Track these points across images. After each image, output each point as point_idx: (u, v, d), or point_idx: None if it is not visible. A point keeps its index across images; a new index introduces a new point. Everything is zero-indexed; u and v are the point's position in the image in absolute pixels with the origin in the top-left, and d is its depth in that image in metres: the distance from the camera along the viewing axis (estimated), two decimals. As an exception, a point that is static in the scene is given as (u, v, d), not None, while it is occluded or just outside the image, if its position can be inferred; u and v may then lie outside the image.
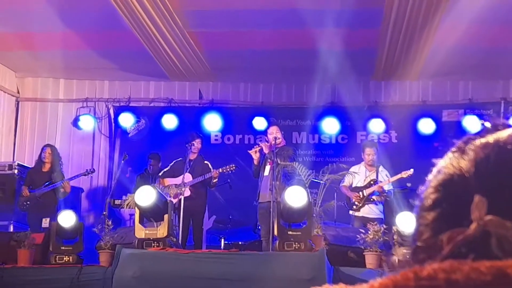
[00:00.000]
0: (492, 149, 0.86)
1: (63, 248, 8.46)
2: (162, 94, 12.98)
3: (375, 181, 9.96)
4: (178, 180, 9.97)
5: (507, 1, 9.03)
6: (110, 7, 9.20)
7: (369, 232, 7.87)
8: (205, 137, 11.44)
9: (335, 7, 9.25)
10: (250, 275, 7.40)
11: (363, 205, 9.89)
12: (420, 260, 0.84)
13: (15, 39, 10.98)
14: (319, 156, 12.24)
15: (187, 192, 9.79)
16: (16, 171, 11.14)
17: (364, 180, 10.01)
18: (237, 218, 11.10)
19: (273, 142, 9.35)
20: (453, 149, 0.90)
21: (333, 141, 12.44)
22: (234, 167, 10.05)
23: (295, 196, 7.82)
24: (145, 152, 11.67)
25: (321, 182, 8.94)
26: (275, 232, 7.93)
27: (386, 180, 9.96)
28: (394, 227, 7.80)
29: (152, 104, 13.00)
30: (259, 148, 9.59)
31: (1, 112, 12.56)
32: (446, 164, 0.88)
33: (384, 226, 8.04)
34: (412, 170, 9.65)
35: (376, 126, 11.96)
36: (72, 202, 10.90)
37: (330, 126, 12.17)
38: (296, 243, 7.70)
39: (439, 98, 12.43)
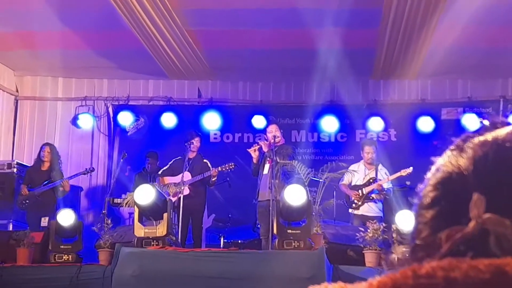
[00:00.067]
0: (490, 147, 0.86)
1: (62, 247, 8.47)
2: (161, 92, 12.98)
3: (375, 179, 9.96)
4: (177, 179, 9.98)
5: (505, 1, 9.03)
6: (109, 6, 9.20)
7: (369, 230, 7.88)
8: (204, 135, 11.44)
9: (334, 7, 9.25)
10: (250, 273, 7.40)
11: (362, 203, 9.89)
12: (419, 258, 0.84)
13: (14, 38, 10.97)
14: (318, 155, 12.24)
15: (186, 191, 9.79)
16: (15, 170, 11.13)
17: (364, 178, 10.01)
18: (237, 217, 11.10)
19: (272, 141, 9.35)
20: (452, 147, 0.90)
21: (332, 140, 12.44)
22: (233, 166, 10.05)
23: (295, 195, 7.82)
24: (144, 150, 11.67)
25: (320, 180, 8.94)
26: (275, 231, 7.93)
27: (386, 178, 9.96)
28: (393, 225, 7.81)
29: (151, 103, 12.99)
30: (258, 146, 9.59)
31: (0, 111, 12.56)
32: (444, 162, 0.89)
33: (384, 224, 8.05)
34: (411, 168, 9.65)
35: (375, 124, 11.96)
36: (71, 200, 10.90)
37: (329, 125, 12.17)
38: (296, 242, 7.70)
39: (438, 96, 12.44)
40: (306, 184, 8.62)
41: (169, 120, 12.38)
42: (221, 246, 10.23)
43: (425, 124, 11.95)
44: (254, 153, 9.56)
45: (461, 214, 0.82)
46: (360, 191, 9.91)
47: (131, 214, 10.07)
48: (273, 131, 9.52)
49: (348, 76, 11.17)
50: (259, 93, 12.83)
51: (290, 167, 9.10)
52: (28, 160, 11.99)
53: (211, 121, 12.28)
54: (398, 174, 9.91)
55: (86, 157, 12.75)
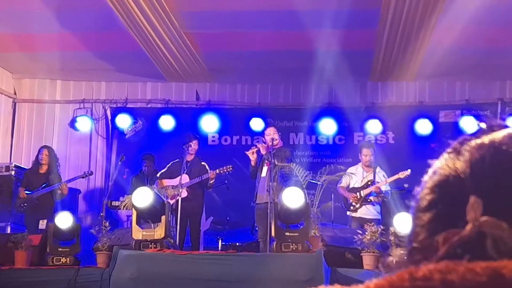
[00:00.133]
0: (487, 150, 0.86)
1: (60, 249, 8.46)
2: (159, 95, 12.97)
3: (372, 182, 9.97)
4: (175, 181, 9.97)
5: (504, 1, 9.04)
6: (107, 8, 9.20)
7: (367, 233, 7.88)
8: (202, 138, 11.42)
9: (332, 8, 9.25)
10: (248, 276, 7.40)
11: (360, 206, 9.89)
12: (416, 261, 0.84)
13: (12, 40, 10.97)
14: (316, 157, 12.24)
15: (184, 193, 9.78)
16: (13, 173, 11.13)
17: (361, 181, 10.01)
18: (235, 219, 11.09)
19: (270, 143, 9.35)
20: (449, 150, 0.90)
21: (330, 142, 12.44)
22: (230, 168, 10.04)
23: (293, 197, 7.82)
24: (142, 153, 11.66)
25: (318, 183, 8.93)
26: (273, 233, 7.93)
27: (384, 181, 9.96)
28: (391, 228, 7.81)
29: (149, 105, 12.99)
30: (256, 149, 9.59)
31: (-2, 114, 12.57)
32: (441, 165, 0.89)
33: (382, 227, 8.04)
34: (409, 170, 9.65)
35: (373, 127, 11.96)
36: (69, 203, 10.90)
37: (327, 127, 12.17)
38: (294, 244, 7.70)
39: (436, 99, 12.44)
40: (304, 186, 8.61)
41: (167, 122, 12.37)
42: (219, 248, 10.21)
43: (423, 127, 11.96)
44: (252, 155, 9.56)
45: (458, 217, 0.82)
46: (358, 193, 9.91)
47: (129, 216, 10.07)
48: (271, 134, 9.52)
49: (346, 78, 11.18)
50: (257, 95, 12.83)
51: (288, 170, 9.10)
52: (26, 162, 11.99)
53: (209, 124, 12.28)
54: (396, 177, 9.91)
55: (84, 160, 12.75)
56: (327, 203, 9.00)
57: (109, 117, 12.92)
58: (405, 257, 0.88)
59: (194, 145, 10.26)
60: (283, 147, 9.70)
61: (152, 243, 7.98)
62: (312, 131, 12.35)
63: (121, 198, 10.29)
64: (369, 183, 9.97)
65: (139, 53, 10.99)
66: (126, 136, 12.74)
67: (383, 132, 12.13)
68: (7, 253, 8.34)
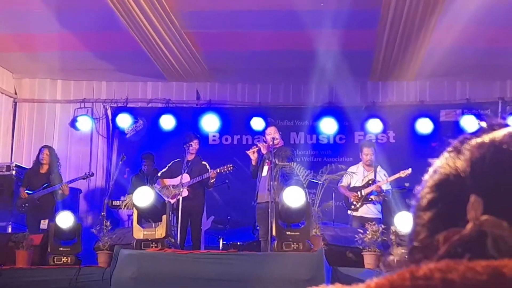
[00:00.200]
0: (487, 149, 0.86)
1: (61, 249, 8.46)
2: (160, 94, 12.97)
3: (373, 181, 9.97)
4: (176, 181, 9.97)
5: (504, 2, 9.04)
6: (107, 8, 9.20)
7: (368, 232, 7.88)
8: (203, 137, 11.43)
9: (332, 8, 9.25)
10: (249, 275, 7.40)
11: (361, 205, 9.89)
12: (417, 260, 0.84)
13: (12, 40, 10.97)
14: (317, 157, 12.24)
15: (185, 193, 9.79)
16: (14, 172, 11.13)
17: (362, 180, 10.01)
18: (236, 219, 11.09)
19: (271, 143, 9.35)
20: (449, 149, 0.90)
21: (331, 141, 12.44)
22: (231, 167, 10.04)
23: (293, 197, 7.82)
24: (143, 153, 11.66)
25: (319, 182, 8.93)
26: (274, 233, 7.93)
27: (384, 180, 9.97)
28: (392, 227, 7.80)
29: (149, 105, 12.99)
30: (257, 148, 9.59)
31: (-2, 113, 12.57)
32: (442, 164, 0.89)
33: (383, 226, 8.04)
34: (410, 169, 9.65)
35: (374, 126, 11.96)
36: (70, 203, 10.90)
37: (328, 126, 12.17)
38: (295, 244, 7.70)
39: (436, 98, 12.44)
40: (305, 186, 8.61)
41: (167, 122, 12.38)
42: (220, 248, 10.20)
43: (424, 126, 11.96)
44: (253, 155, 9.56)
45: (459, 216, 0.83)
46: (359, 192, 9.92)
47: (130, 216, 10.07)
48: (272, 133, 9.52)
49: (346, 78, 11.18)
50: (258, 95, 12.83)
51: (289, 169, 9.10)
52: (26, 162, 11.99)
53: (210, 123, 12.28)
54: (397, 176, 9.91)
55: (85, 160, 12.75)
56: (328, 202, 9.00)
57: (110, 117, 12.92)
58: (406, 256, 0.88)
59: (194, 144, 10.26)
60: (284, 147, 9.70)
61: (153, 243, 7.98)
62: (313, 130, 12.35)
63: (122, 198, 10.28)
64: (370, 182, 9.97)
65: (139, 53, 10.99)
66: (127, 136, 12.74)
67: (384, 131, 12.13)
68: (8, 252, 8.34)
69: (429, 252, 0.83)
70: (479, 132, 0.90)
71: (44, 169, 10.76)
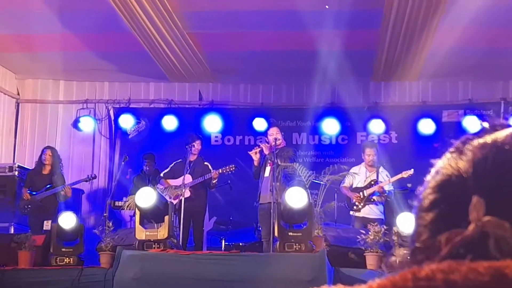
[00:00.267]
0: (490, 149, 0.86)
1: (63, 249, 8.47)
2: (162, 95, 12.98)
3: (376, 182, 9.96)
4: (178, 181, 9.98)
5: (506, 2, 9.03)
6: (109, 8, 9.20)
7: (370, 233, 7.87)
8: (205, 138, 11.44)
9: (335, 8, 9.25)
10: (251, 276, 7.40)
11: (363, 206, 9.89)
12: (419, 261, 0.84)
13: (14, 40, 10.98)
14: (319, 157, 12.24)
15: (187, 193, 9.79)
16: (16, 173, 11.14)
17: (365, 180, 10.01)
18: (238, 219, 11.09)
19: (273, 143, 9.35)
20: (451, 149, 0.90)
21: (333, 142, 12.44)
22: (233, 168, 10.05)
23: (296, 197, 7.82)
24: (144, 153, 11.66)
25: (321, 183, 8.94)
26: (276, 233, 7.93)
27: (387, 181, 9.96)
28: (394, 228, 7.80)
29: (152, 106, 13.00)
30: (259, 149, 9.59)
31: (1, 114, 12.56)
32: (444, 164, 0.88)
33: (385, 227, 8.04)
34: (412, 170, 9.64)
35: (376, 126, 11.96)
36: (73, 203, 10.90)
37: (330, 127, 12.17)
38: (297, 244, 7.70)
39: (439, 98, 12.44)
40: (307, 186, 8.62)
41: (170, 122, 12.38)
42: (223, 248, 10.22)
43: (426, 127, 11.95)
44: (255, 155, 9.56)
45: (461, 217, 0.82)
46: (361, 193, 9.91)
47: (132, 217, 10.07)
48: (274, 134, 9.52)
49: (348, 78, 11.18)
50: (260, 95, 12.84)
51: (291, 170, 9.10)
52: (29, 163, 12.00)
53: (212, 124, 12.28)
54: (399, 176, 9.91)
55: (87, 160, 12.76)
56: (330, 203, 9.00)
57: (112, 117, 12.93)
58: (408, 257, 0.88)
59: (197, 145, 10.27)
60: (286, 147, 9.70)
61: (155, 243, 7.99)
62: (315, 131, 12.35)
63: (124, 198, 10.28)
64: (372, 182, 9.96)
65: (142, 54, 10.99)
66: (129, 136, 12.75)
67: (386, 131, 12.13)
68: (11, 253, 8.35)
69: (431, 253, 0.83)
70: (481, 132, 0.90)
71: (46, 170, 10.76)
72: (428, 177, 0.90)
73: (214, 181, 10.05)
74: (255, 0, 9.42)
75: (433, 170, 0.90)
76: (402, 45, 10.42)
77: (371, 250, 7.78)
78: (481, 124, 0.93)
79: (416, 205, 0.90)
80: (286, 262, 7.46)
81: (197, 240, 9.96)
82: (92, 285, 7.85)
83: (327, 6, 9.21)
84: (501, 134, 0.88)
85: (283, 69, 11.82)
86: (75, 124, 12.83)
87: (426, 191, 0.89)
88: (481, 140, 0.88)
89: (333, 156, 12.15)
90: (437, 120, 12.02)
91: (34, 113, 13.01)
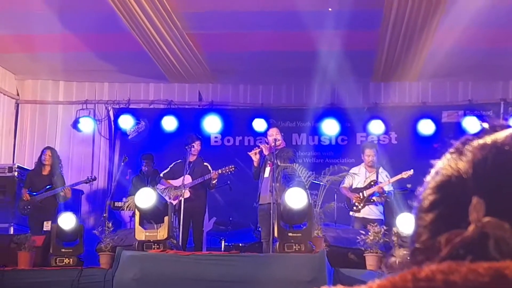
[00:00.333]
0: (489, 150, 0.85)
1: (63, 250, 8.47)
2: (162, 96, 12.98)
3: (375, 182, 9.96)
4: (178, 182, 9.98)
5: (506, 2, 9.04)
6: (109, 9, 9.20)
7: (370, 233, 7.87)
8: (205, 139, 11.44)
9: (335, 8, 9.25)
10: (251, 277, 7.40)
11: (363, 206, 9.89)
12: (419, 262, 0.84)
13: (14, 41, 10.98)
14: (319, 158, 12.24)
15: (187, 194, 9.80)
16: (16, 174, 11.14)
17: (364, 181, 10.01)
18: (237, 220, 11.09)
19: (273, 144, 9.35)
20: (451, 150, 0.90)
21: (333, 143, 12.44)
22: (233, 168, 10.05)
23: (295, 198, 7.82)
24: (144, 153, 11.66)
25: (321, 183, 8.94)
26: (276, 234, 7.93)
27: (386, 181, 9.96)
28: (394, 228, 7.80)
29: (151, 106, 13.00)
30: (259, 149, 9.59)
31: (0, 114, 12.56)
32: (444, 165, 0.88)
33: (385, 227, 8.04)
34: (412, 170, 9.65)
35: (376, 127, 11.96)
36: (72, 204, 10.90)
37: (330, 128, 12.17)
38: (297, 245, 7.70)
39: (438, 99, 12.44)
40: (307, 187, 8.62)
41: (169, 123, 12.38)
42: (222, 249, 10.22)
43: (426, 127, 11.95)
44: (255, 156, 9.56)
45: (461, 217, 0.82)
46: (361, 193, 9.91)
47: (132, 217, 10.07)
48: (274, 134, 9.52)
49: (348, 79, 11.18)
50: (260, 96, 12.84)
51: (291, 170, 9.10)
52: (29, 163, 12.00)
53: (212, 125, 12.28)
54: (399, 177, 9.91)
55: (87, 161, 12.76)
56: (330, 204, 9.00)
57: (112, 118, 12.93)
58: (408, 258, 0.88)
59: (196, 145, 10.27)
60: (286, 148, 9.70)
61: (155, 244, 7.99)
62: (315, 131, 12.35)
63: (124, 199, 10.29)
64: (372, 183, 9.97)
65: (141, 54, 10.99)
66: (129, 137, 12.75)
67: (386, 132, 12.13)
68: (10, 254, 8.35)
69: (431, 253, 0.83)
70: (481, 133, 0.90)
71: (46, 170, 10.76)
72: (428, 178, 0.90)
73: (213, 182, 10.06)
74: (255, 0, 9.43)
75: (433, 171, 0.90)
76: (402, 46, 10.42)
77: (371, 251, 7.78)
78: (481, 125, 0.93)
79: (416, 206, 0.90)
80: (285, 262, 7.46)
81: (197, 241, 9.96)
82: (91, 285, 7.85)
83: (330, 9, 9.22)
84: (501, 135, 0.88)
85: (283, 70, 11.82)
86: (75, 124, 12.83)
87: (426, 192, 0.89)
88: (481, 141, 0.88)
89: (332, 156, 12.15)
90: (437, 121, 12.02)
91: (34, 114, 13.01)
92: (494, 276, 0.76)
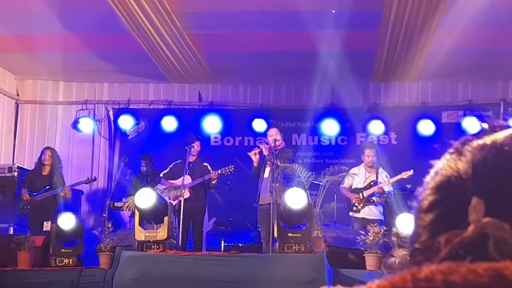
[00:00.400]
0: (489, 150, 0.85)
1: (63, 250, 8.47)
2: (162, 96, 12.98)
3: (375, 182, 9.96)
4: (177, 182, 9.98)
5: (506, 3, 9.04)
6: (109, 9, 9.20)
7: (369, 233, 7.87)
8: (205, 139, 11.44)
9: (335, 9, 9.25)
10: (250, 277, 7.40)
11: (363, 207, 9.89)
12: (418, 262, 0.84)
13: (14, 41, 10.98)
14: (318, 158, 12.24)
15: (187, 194, 9.80)
16: (16, 174, 11.14)
17: (364, 181, 10.01)
18: (237, 220, 11.09)
19: (273, 144, 9.35)
20: (451, 150, 0.90)
21: (333, 143, 12.44)
22: (233, 168, 10.05)
23: (295, 198, 7.82)
24: (142, 154, 11.66)
25: (321, 183, 8.93)
26: (275, 234, 7.93)
27: (386, 181, 9.96)
28: (394, 229, 7.80)
29: (151, 106, 13.00)
30: (259, 150, 9.59)
31: (0, 114, 12.56)
32: (443, 165, 0.88)
33: (384, 228, 8.04)
34: (412, 171, 9.65)
35: (376, 127, 11.96)
36: (72, 204, 10.90)
37: (330, 128, 12.17)
38: (296, 245, 7.70)
39: (438, 99, 12.44)
40: (306, 187, 8.62)
41: (169, 123, 12.38)
42: (222, 249, 10.22)
43: (426, 127, 11.95)
44: (254, 156, 9.56)
45: (460, 218, 0.82)
46: (360, 194, 9.91)
47: (131, 217, 10.07)
48: (274, 135, 9.52)
49: (348, 79, 11.18)
50: (260, 96, 12.84)
51: (290, 171, 9.10)
52: (28, 164, 12.00)
53: (212, 125, 12.28)
54: (399, 177, 9.91)
55: (86, 161, 12.76)
56: (330, 204, 9.00)
57: (112, 118, 12.93)
58: (408, 258, 0.88)
59: (196, 146, 10.27)
60: (286, 148, 9.70)
61: (155, 244, 7.99)
62: (315, 132, 12.35)
63: (123, 199, 10.30)
64: (372, 183, 9.96)
65: (141, 54, 10.99)
66: (129, 137, 12.75)
67: (386, 132, 12.13)
68: (10, 254, 8.35)
69: (430, 254, 0.83)
70: (480, 133, 0.90)
71: (46, 170, 10.76)
72: (428, 178, 0.90)
73: (213, 182, 10.06)
74: (255, 0, 9.43)
75: (432, 171, 0.90)
76: (402, 46, 10.42)
77: (371, 251, 7.78)
78: (480, 125, 0.92)
79: (416, 206, 0.90)
80: (285, 263, 7.46)
81: (197, 241, 9.96)
82: (91, 286, 7.85)
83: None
84: (500, 135, 0.88)
85: (283, 70, 11.82)
86: (75, 125, 12.83)
87: (425, 192, 0.89)
88: (480, 141, 0.88)
89: (332, 157, 12.15)
90: (436, 121, 12.02)
91: (34, 114, 13.01)
92: (493, 276, 0.76)
